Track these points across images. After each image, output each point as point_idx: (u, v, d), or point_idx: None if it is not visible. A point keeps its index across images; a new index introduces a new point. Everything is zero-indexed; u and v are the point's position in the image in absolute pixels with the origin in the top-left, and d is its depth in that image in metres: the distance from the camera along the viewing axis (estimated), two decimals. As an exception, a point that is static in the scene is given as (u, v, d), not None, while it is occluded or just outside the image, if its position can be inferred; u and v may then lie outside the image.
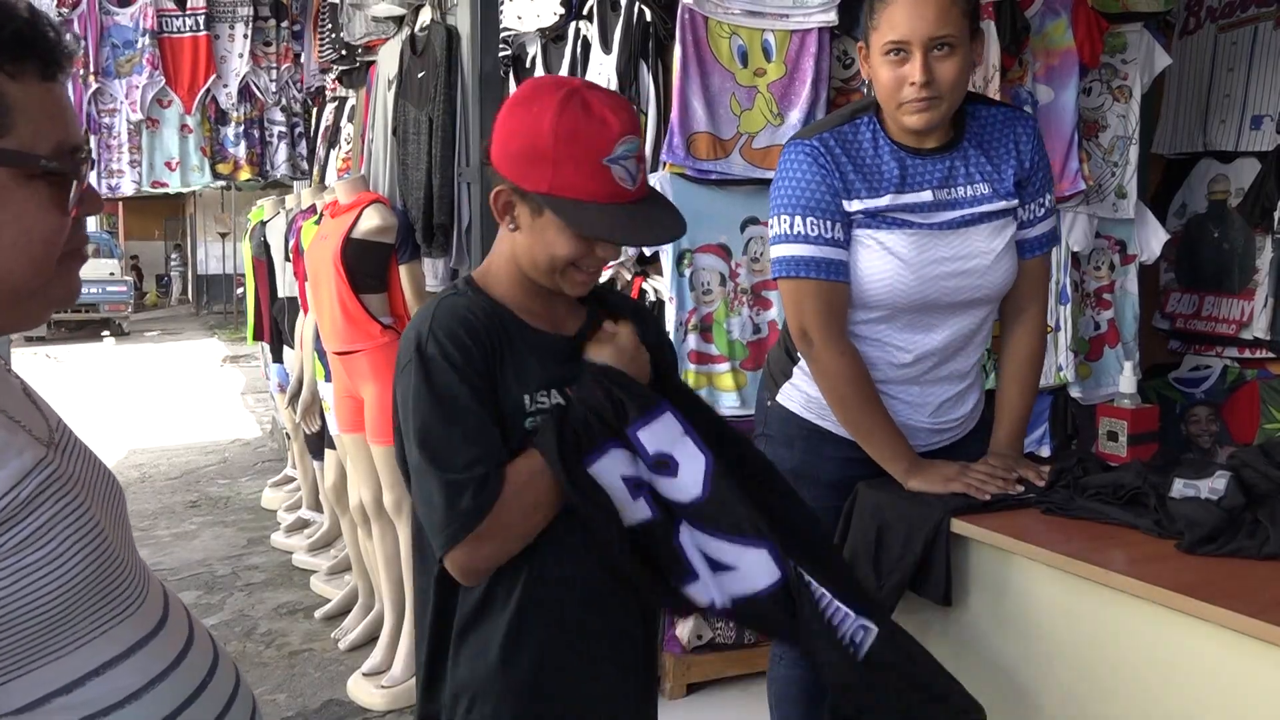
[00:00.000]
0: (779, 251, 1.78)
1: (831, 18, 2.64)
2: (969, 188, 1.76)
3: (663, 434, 1.25)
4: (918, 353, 1.81)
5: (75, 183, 0.84)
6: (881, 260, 1.75)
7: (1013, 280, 1.81)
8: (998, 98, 2.53)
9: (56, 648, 0.81)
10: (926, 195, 1.74)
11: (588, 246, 1.27)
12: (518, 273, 1.32)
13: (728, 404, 2.66)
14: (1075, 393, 2.92)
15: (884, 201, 1.73)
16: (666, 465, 1.24)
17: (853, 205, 1.74)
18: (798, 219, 1.74)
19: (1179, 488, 1.57)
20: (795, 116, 2.65)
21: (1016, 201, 1.79)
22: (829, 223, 1.74)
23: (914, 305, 1.77)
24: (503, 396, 1.25)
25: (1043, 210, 1.83)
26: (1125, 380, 2.20)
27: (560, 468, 1.21)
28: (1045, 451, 2.88)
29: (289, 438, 5.64)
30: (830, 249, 1.74)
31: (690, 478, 1.25)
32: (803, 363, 1.87)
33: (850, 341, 1.79)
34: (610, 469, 1.23)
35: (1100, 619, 1.46)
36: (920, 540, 1.68)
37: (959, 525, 1.66)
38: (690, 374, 2.64)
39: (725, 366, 2.70)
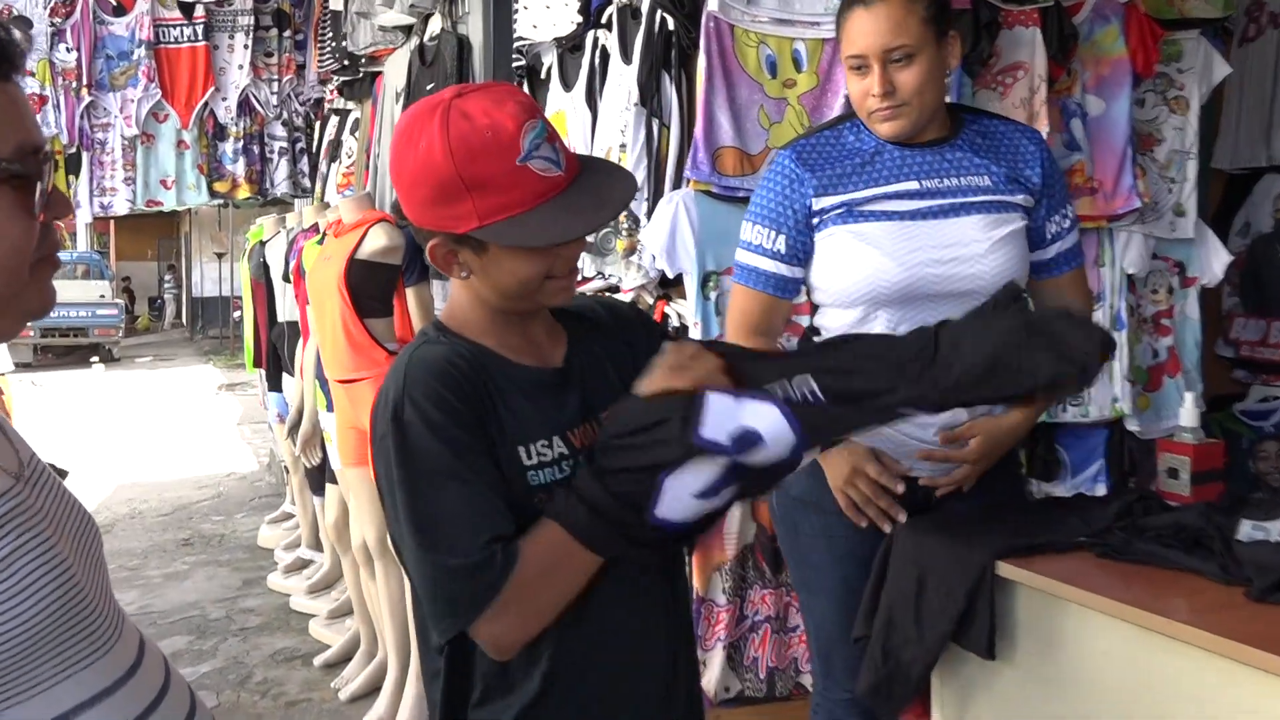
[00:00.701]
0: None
1: (866, 25, 2.65)
2: (960, 178, 1.84)
3: (722, 416, 1.11)
4: None
5: (39, 185, 0.85)
6: (860, 251, 1.81)
7: (1014, 275, 1.83)
8: (1044, 109, 2.53)
9: (15, 691, 0.81)
10: (912, 184, 1.82)
11: (549, 254, 1.20)
12: (489, 312, 1.26)
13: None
14: (1133, 426, 2.89)
15: (864, 193, 1.82)
16: (751, 441, 1.11)
17: (824, 200, 1.83)
18: (748, 225, 1.91)
19: (1247, 530, 1.55)
20: (828, 130, 2.66)
21: (1019, 198, 1.85)
22: (771, 233, 1.87)
23: (898, 295, 1.80)
24: (500, 452, 1.18)
25: (1068, 222, 1.92)
26: (1187, 413, 2.18)
27: (611, 545, 1.14)
28: (1100, 490, 2.85)
29: (288, 471, 5.67)
30: (764, 259, 1.88)
31: (776, 431, 1.11)
32: None
33: (767, 343, 1.88)
34: (679, 495, 1.11)
35: (1161, 672, 1.45)
36: (963, 587, 1.66)
37: (1006, 569, 1.65)
38: (716, 405, 2.65)
39: (753, 397, 2.71)
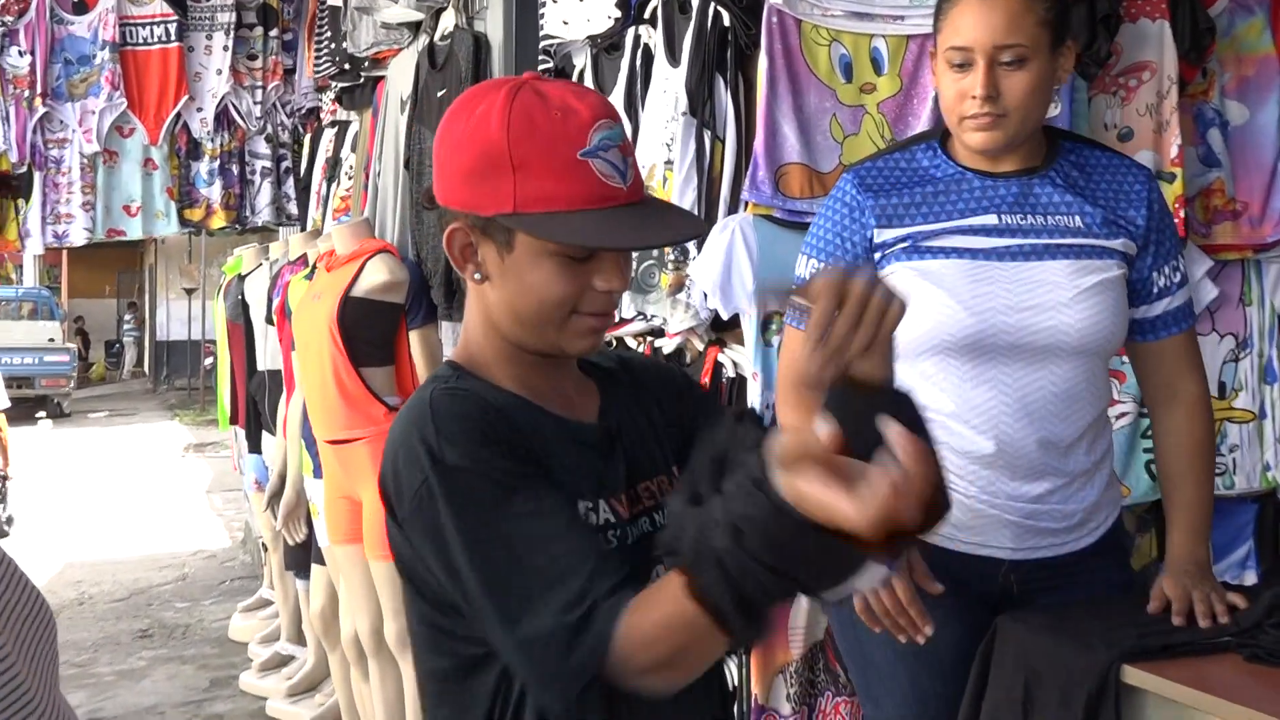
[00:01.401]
0: None
1: (959, 19, 2.68)
2: (1048, 217, 1.86)
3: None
4: (984, 416, 1.84)
5: None
6: (923, 292, 1.82)
7: (1106, 332, 1.84)
8: (1175, 118, 2.54)
9: None
10: (990, 219, 1.85)
11: (582, 277, 1.21)
12: (503, 344, 1.27)
13: (828, 511, 2.65)
14: (1289, 500, 2.85)
15: (934, 226, 1.85)
16: None
17: (887, 233, 1.87)
18: (802, 259, 1.95)
19: None
20: (914, 143, 2.68)
21: (1118, 242, 1.86)
22: (826, 268, 1.90)
23: (967, 345, 1.82)
24: None
25: (1178, 276, 1.93)
26: (1355, 485, 2.15)
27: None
28: (1250, 578, 2.80)
29: (266, 550, 5.71)
30: None
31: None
32: None
33: (813, 398, 1.86)
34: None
35: (1328, 804, 1.42)
36: (1082, 697, 1.65)
37: (1133, 674, 1.63)
38: (779, 472, 2.64)
39: (824, 464, 2.70)
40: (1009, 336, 1.82)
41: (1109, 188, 1.90)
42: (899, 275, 1.86)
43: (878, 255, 1.89)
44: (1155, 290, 1.92)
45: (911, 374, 1.88)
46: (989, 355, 1.82)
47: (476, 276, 1.25)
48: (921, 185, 1.89)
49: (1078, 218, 1.86)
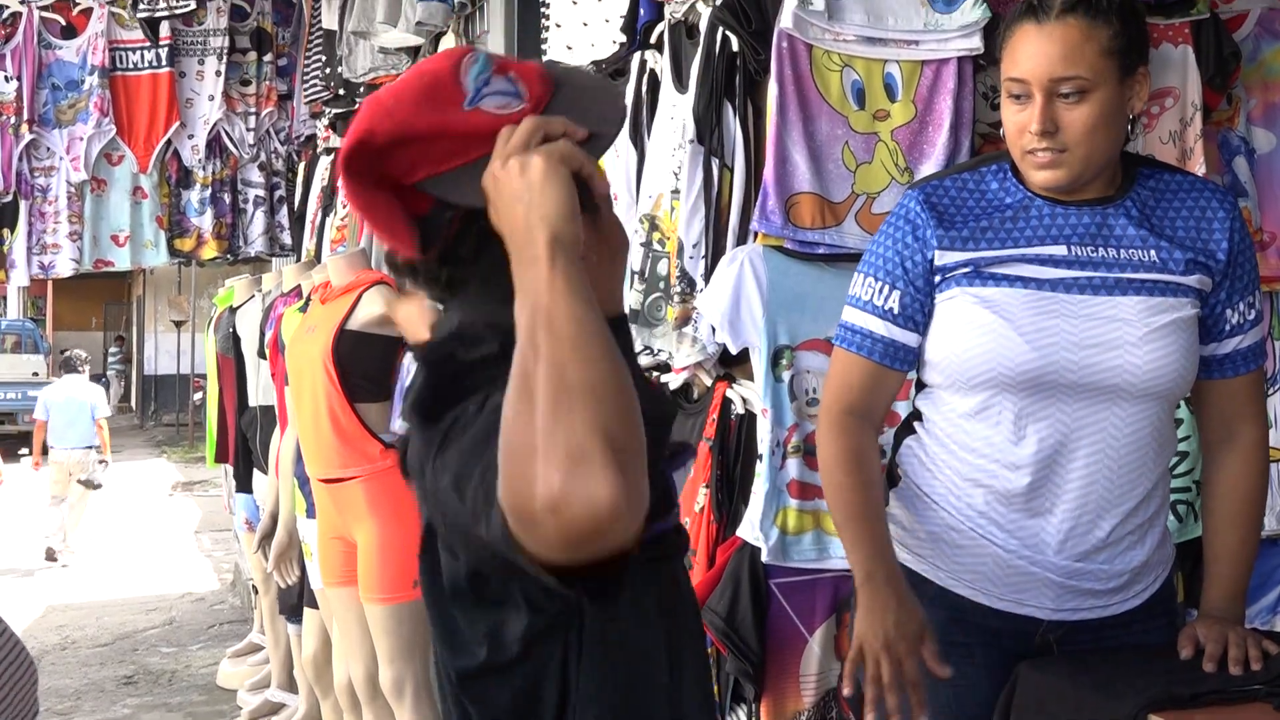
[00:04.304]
0: None
1: (975, 44, 2.69)
2: (1122, 250, 1.82)
3: None
4: (1037, 459, 1.81)
5: None
6: (982, 321, 1.80)
7: (1174, 375, 1.81)
8: (1199, 145, 2.54)
9: None
10: (1059, 249, 1.81)
11: None
12: None
13: (842, 553, 2.64)
14: (1322, 542, 2.84)
15: (999, 252, 1.82)
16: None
17: (949, 256, 1.84)
18: (859, 278, 1.93)
19: None
20: (928, 170, 2.68)
21: (1193, 279, 1.83)
22: (884, 287, 1.89)
23: (1025, 381, 1.79)
24: None
25: (1253, 313, 1.88)
26: (1392, 526, 2.14)
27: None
28: (1281, 624, 2.79)
29: (256, 592, 5.69)
30: (874, 318, 1.89)
31: None
32: (899, 488, 1.97)
33: (861, 427, 1.90)
34: None
35: None
36: (1107, 744, 1.64)
37: (1161, 725, 1.62)
38: (790, 512, 2.63)
39: (838, 502, 2.69)
40: (1071, 374, 1.78)
41: (1189, 217, 1.86)
42: (957, 302, 1.84)
43: (937, 279, 1.86)
44: (1227, 328, 1.87)
45: (961, 407, 1.86)
46: (1047, 393, 1.79)
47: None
48: (990, 211, 1.87)
49: (1153, 252, 1.82)
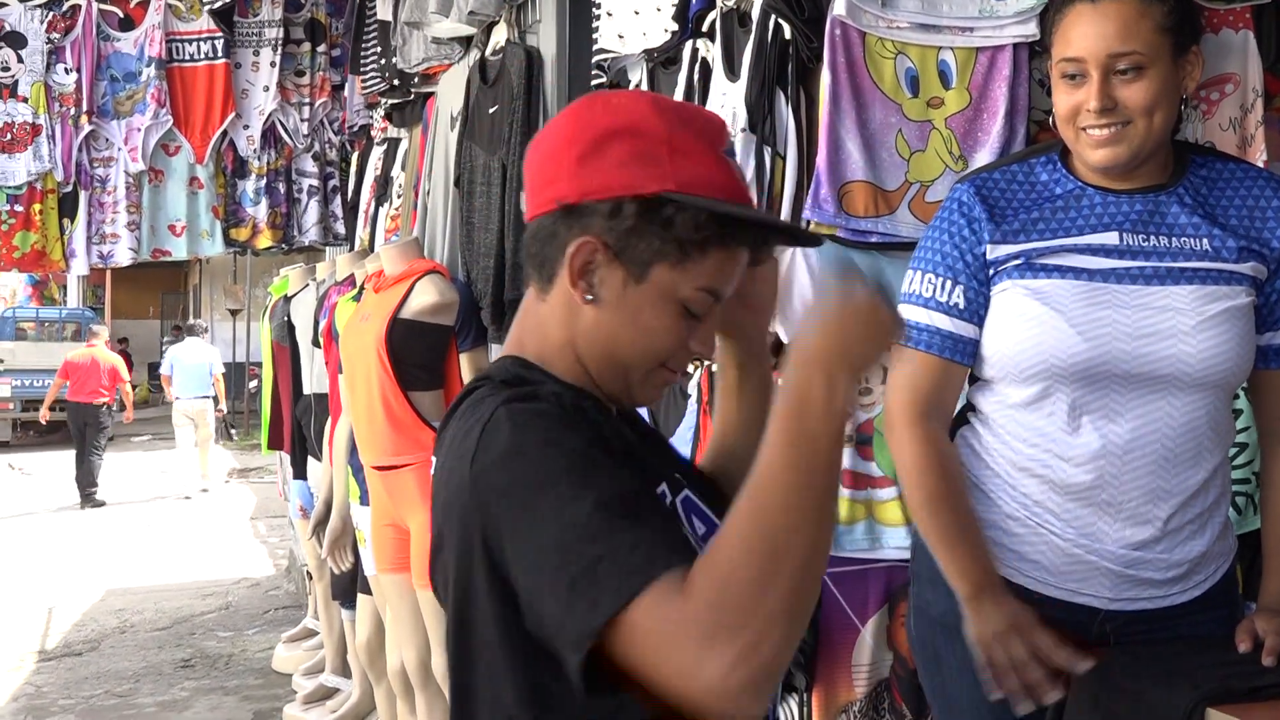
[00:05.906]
0: None
1: (1031, 30, 2.66)
2: (1174, 239, 1.82)
3: None
4: (1091, 450, 1.81)
5: None
6: (1035, 313, 1.80)
7: (1230, 364, 1.80)
8: (1260, 133, 2.51)
9: None
10: (1111, 237, 1.81)
11: (686, 333, 1.25)
12: (576, 365, 1.28)
13: (895, 543, 2.63)
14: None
15: (1050, 243, 1.82)
16: None
17: (1001, 249, 1.84)
18: (916, 275, 1.93)
19: None
20: (983, 159, 2.66)
21: (1248, 266, 1.82)
22: (946, 282, 1.88)
23: (1079, 372, 1.78)
24: None
25: None
26: None
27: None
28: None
29: (310, 578, 5.76)
30: (937, 314, 1.88)
31: None
32: None
33: (937, 431, 1.89)
34: None
35: None
36: (1164, 739, 1.63)
37: (1218, 718, 1.60)
38: (844, 502, 2.63)
39: (892, 492, 2.68)
40: (1125, 365, 1.78)
41: (1242, 205, 1.85)
42: (1010, 295, 1.84)
43: (990, 272, 1.87)
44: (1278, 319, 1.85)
45: (1015, 398, 1.87)
46: (1101, 384, 1.79)
47: (588, 297, 1.24)
48: (1041, 201, 1.86)
49: (1206, 240, 1.81)
